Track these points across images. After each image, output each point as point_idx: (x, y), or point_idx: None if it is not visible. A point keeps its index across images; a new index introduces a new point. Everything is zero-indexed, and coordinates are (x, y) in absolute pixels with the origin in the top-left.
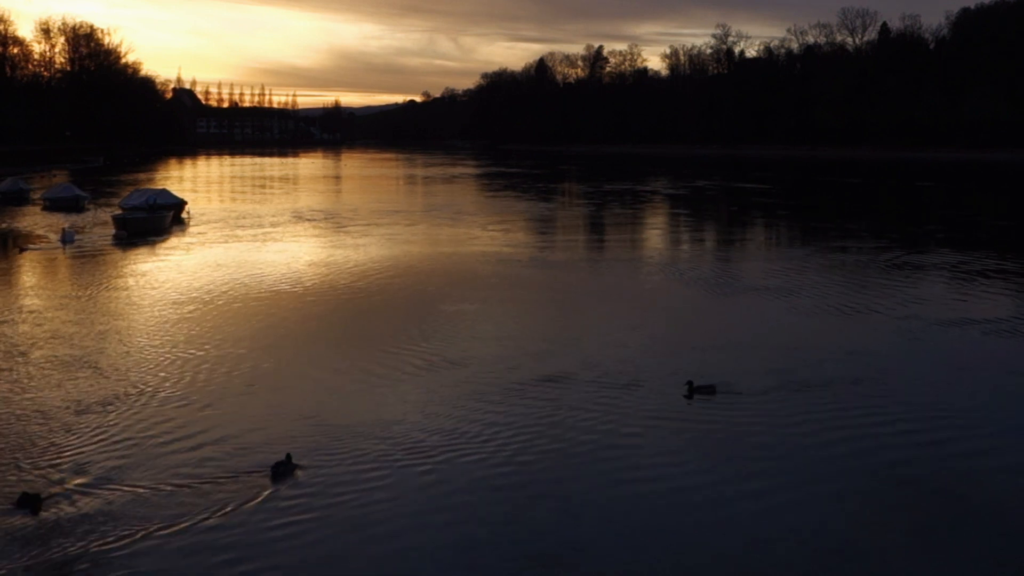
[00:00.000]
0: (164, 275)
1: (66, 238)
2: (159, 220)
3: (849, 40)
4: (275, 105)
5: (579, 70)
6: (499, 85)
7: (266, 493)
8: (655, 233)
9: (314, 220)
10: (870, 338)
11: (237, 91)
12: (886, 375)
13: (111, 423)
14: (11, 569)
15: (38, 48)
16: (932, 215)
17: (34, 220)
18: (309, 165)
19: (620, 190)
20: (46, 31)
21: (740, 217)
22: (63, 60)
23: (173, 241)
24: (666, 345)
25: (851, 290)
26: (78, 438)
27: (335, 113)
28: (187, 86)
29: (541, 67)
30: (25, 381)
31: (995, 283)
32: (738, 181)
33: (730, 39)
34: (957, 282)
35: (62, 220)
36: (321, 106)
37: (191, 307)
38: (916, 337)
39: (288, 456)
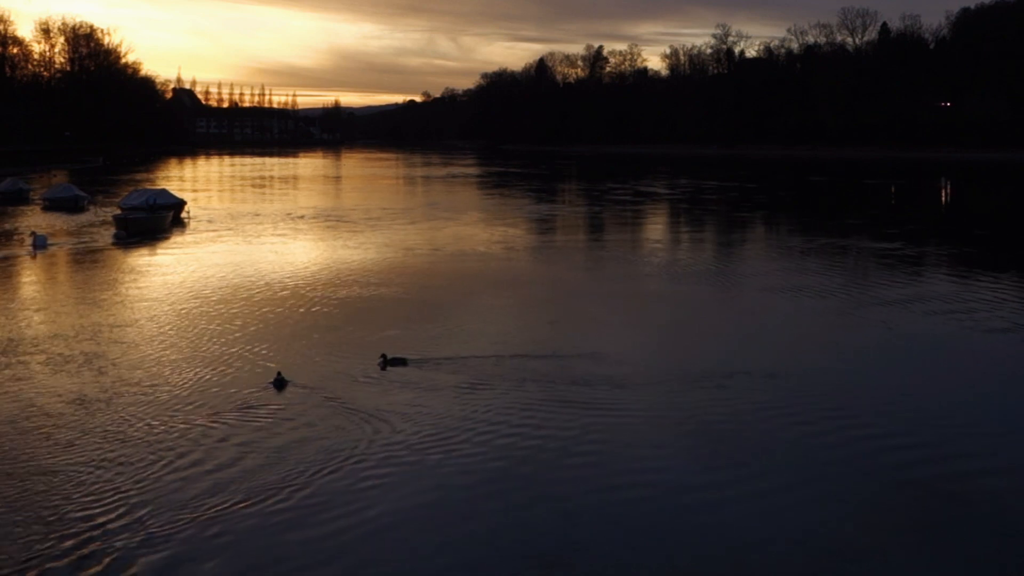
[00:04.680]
0: (163, 275)
1: (37, 243)
2: (159, 220)
3: (849, 40)
4: (275, 105)
5: (579, 70)
6: (499, 85)
7: (266, 492)
8: (617, 231)
9: (313, 220)
10: (857, 336)
11: (237, 91)
12: (881, 374)
13: (107, 417)
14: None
15: (38, 48)
16: (859, 209)
17: (30, 221)
18: (309, 165)
19: (600, 190)
20: (46, 31)
21: (686, 213)
22: (63, 60)
23: (173, 241)
24: (664, 342)
25: (852, 285)
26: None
27: (335, 113)
28: (187, 86)
29: (541, 67)
30: (21, 377)
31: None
32: (716, 180)
33: (730, 39)
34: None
35: (61, 220)
36: (321, 106)
37: (190, 306)
38: (902, 335)
39: (279, 373)
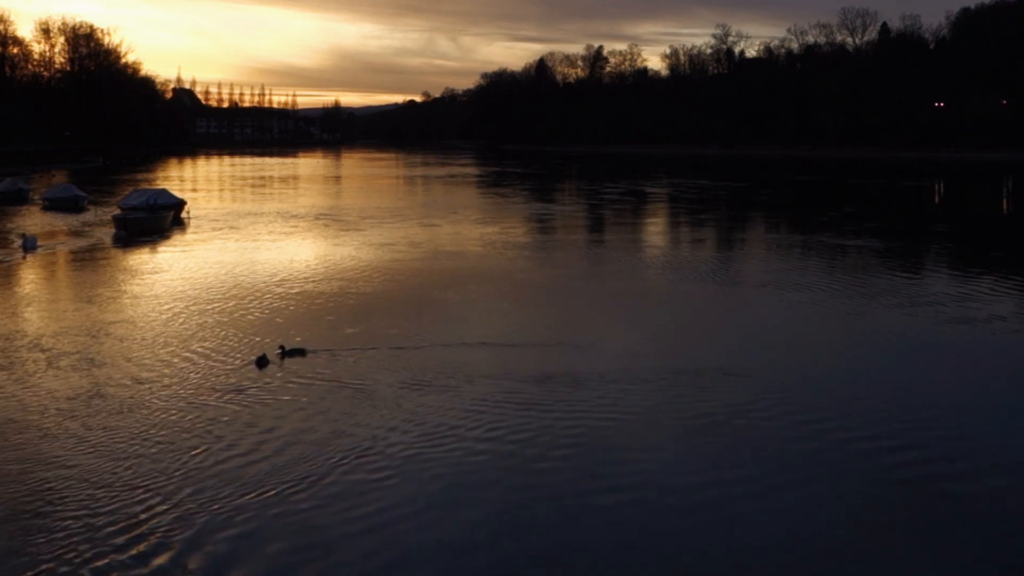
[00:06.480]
0: (163, 275)
1: (27, 244)
2: (159, 220)
3: (849, 40)
4: (275, 105)
5: (579, 70)
6: (499, 85)
7: (264, 481)
8: (620, 229)
9: (313, 219)
10: (851, 333)
11: (237, 91)
12: (879, 374)
13: (106, 413)
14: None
15: (38, 48)
16: (837, 208)
17: (29, 221)
18: (308, 165)
19: (593, 190)
20: (46, 31)
21: (673, 212)
22: (63, 60)
23: (173, 241)
24: (663, 341)
25: (855, 289)
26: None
27: (335, 113)
28: (187, 86)
29: (541, 67)
30: (21, 376)
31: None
32: (708, 180)
33: (730, 39)
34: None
35: (60, 220)
36: (321, 106)
37: (189, 306)
38: (893, 332)
39: (263, 354)
